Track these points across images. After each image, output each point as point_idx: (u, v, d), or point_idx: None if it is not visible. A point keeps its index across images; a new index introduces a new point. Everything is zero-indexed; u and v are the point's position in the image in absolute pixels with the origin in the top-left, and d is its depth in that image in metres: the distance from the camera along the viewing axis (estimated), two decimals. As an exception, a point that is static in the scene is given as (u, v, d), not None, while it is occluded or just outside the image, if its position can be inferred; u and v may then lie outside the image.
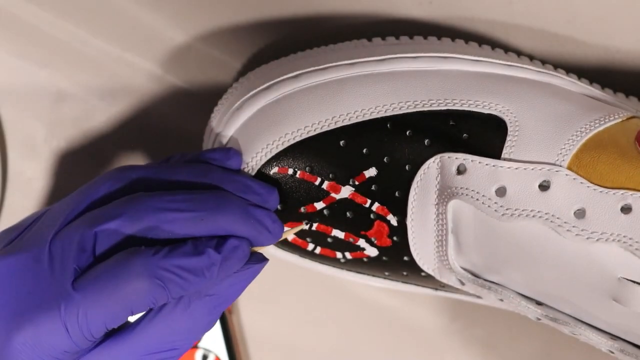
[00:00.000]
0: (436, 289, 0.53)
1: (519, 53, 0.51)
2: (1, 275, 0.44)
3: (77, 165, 0.57)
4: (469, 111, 0.47)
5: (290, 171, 0.48)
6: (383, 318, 0.59)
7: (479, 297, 0.52)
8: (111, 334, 0.45)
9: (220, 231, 0.45)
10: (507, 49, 0.51)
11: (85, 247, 0.43)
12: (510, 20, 0.51)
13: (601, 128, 0.46)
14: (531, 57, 0.51)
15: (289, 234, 0.49)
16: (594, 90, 0.49)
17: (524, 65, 0.49)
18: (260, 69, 0.51)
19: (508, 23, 0.51)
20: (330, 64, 0.49)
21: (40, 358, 0.43)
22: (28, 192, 0.57)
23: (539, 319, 0.49)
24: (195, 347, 0.58)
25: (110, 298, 0.43)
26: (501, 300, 0.49)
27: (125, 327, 0.45)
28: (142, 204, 0.44)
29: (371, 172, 0.48)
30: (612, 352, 0.48)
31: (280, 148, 0.48)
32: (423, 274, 0.50)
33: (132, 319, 0.45)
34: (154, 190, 0.45)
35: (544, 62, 0.51)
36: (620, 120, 0.47)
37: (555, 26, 0.51)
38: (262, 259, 0.46)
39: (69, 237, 0.44)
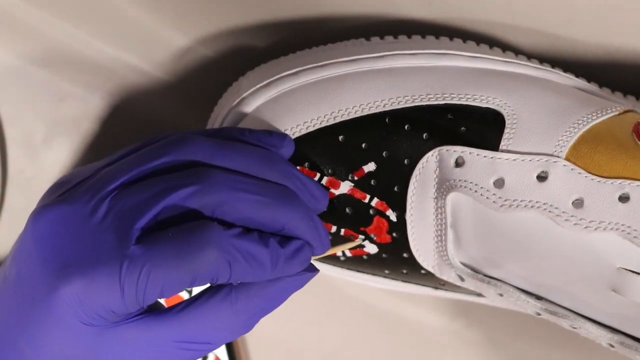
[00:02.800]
0: (436, 288, 0.53)
1: (516, 52, 0.51)
2: (52, 222, 0.42)
3: (77, 165, 0.57)
4: (467, 105, 0.47)
5: (290, 166, 0.48)
6: (383, 318, 0.59)
7: (478, 294, 0.52)
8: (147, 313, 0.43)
9: (283, 224, 0.44)
10: (504, 47, 0.51)
11: (149, 212, 0.42)
12: (508, 20, 0.51)
13: (598, 120, 0.47)
14: (529, 56, 0.51)
15: (337, 250, 0.49)
16: (592, 87, 0.50)
17: (521, 62, 0.50)
18: (260, 67, 0.51)
19: (507, 24, 0.51)
20: (329, 61, 0.49)
21: (85, 313, 0.41)
22: (28, 192, 0.57)
23: (539, 314, 0.49)
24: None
25: (176, 262, 0.41)
26: (501, 295, 0.49)
27: (166, 310, 0.43)
28: (215, 179, 0.43)
29: (370, 167, 0.48)
30: (612, 346, 0.48)
31: (280, 143, 0.48)
32: (423, 271, 0.50)
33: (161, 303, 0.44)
34: (213, 166, 0.44)
35: (541, 60, 0.51)
36: (617, 113, 0.47)
37: (553, 26, 0.51)
38: (314, 269, 0.45)
39: (133, 199, 0.42)
